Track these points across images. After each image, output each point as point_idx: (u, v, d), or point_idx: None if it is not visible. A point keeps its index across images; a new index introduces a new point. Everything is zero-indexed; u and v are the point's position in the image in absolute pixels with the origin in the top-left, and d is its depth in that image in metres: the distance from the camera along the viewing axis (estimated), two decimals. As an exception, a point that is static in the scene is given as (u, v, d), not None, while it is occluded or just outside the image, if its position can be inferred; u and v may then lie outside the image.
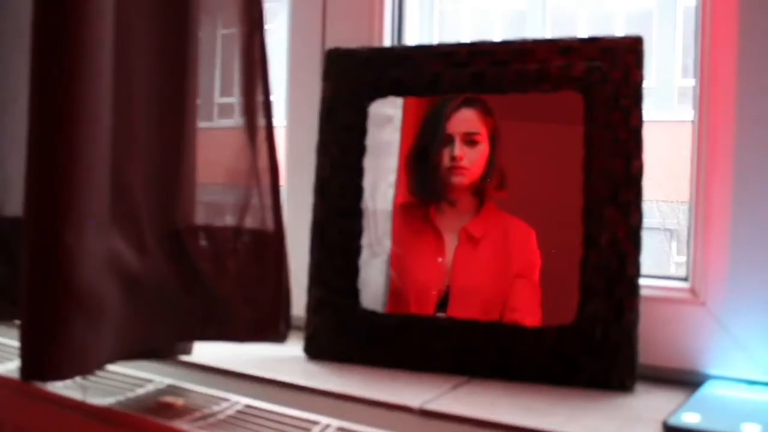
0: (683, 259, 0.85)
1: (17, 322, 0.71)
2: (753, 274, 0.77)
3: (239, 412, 0.76)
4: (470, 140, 0.88)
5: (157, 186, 0.84)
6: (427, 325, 0.84)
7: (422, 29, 1.08)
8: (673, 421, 0.66)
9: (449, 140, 0.88)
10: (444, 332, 0.83)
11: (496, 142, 0.88)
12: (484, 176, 0.88)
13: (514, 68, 0.82)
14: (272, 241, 0.87)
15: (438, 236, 0.90)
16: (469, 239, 0.88)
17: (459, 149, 0.88)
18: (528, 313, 0.83)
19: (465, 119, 0.88)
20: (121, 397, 0.79)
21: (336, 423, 0.71)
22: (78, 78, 0.73)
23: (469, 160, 0.88)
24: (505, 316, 0.83)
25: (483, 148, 0.87)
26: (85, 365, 0.72)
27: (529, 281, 0.85)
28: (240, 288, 0.80)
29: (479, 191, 0.88)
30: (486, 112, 0.88)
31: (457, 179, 0.88)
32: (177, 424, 0.72)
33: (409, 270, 0.90)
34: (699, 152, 0.80)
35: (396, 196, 0.91)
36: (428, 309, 0.86)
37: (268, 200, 0.88)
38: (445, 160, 0.88)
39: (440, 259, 0.88)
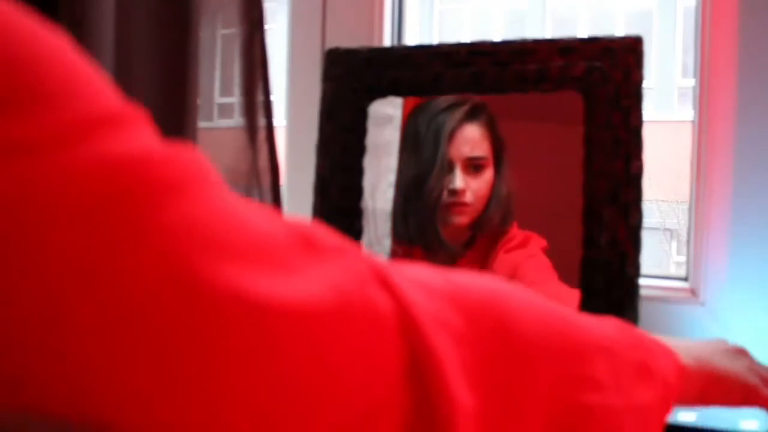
0: (683, 259, 0.85)
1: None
2: (753, 274, 0.77)
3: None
4: (474, 166, 0.75)
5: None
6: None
7: (422, 29, 1.08)
8: (670, 418, 0.66)
9: (449, 168, 0.74)
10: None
11: (503, 164, 0.75)
12: (487, 211, 0.74)
13: (514, 68, 0.82)
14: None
15: None
16: None
17: (461, 181, 0.74)
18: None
19: (467, 140, 0.75)
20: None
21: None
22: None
23: (472, 193, 0.74)
24: None
25: (488, 176, 0.75)
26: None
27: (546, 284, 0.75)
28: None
29: (477, 227, 0.75)
30: (491, 126, 0.76)
31: (456, 219, 0.75)
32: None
33: None
34: (699, 152, 0.80)
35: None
36: None
37: (268, 200, 0.88)
38: (444, 195, 0.74)
39: None
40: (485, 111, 0.78)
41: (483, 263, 0.75)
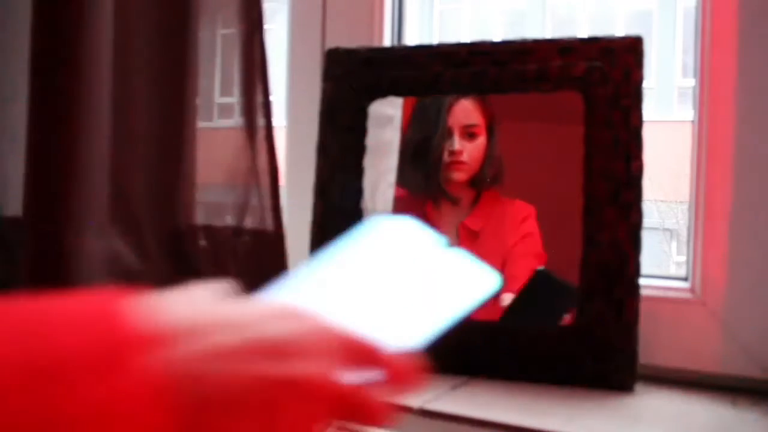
0: (683, 258, 0.85)
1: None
2: (753, 274, 0.77)
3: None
4: (469, 133, 0.87)
5: (157, 186, 0.84)
6: (427, 325, 0.84)
7: (422, 29, 1.08)
8: None
9: (448, 134, 0.87)
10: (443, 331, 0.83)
11: (494, 133, 0.87)
12: (482, 170, 0.87)
13: (514, 68, 0.82)
14: (272, 241, 0.87)
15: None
16: (468, 234, 0.87)
17: (458, 143, 0.87)
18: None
19: (464, 110, 0.87)
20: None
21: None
22: (77, 78, 0.73)
23: (468, 154, 0.87)
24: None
25: (481, 141, 0.87)
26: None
27: (532, 259, 0.84)
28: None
29: (476, 184, 0.87)
30: (483, 101, 0.87)
31: (456, 175, 0.87)
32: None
33: None
34: (699, 152, 0.80)
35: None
36: None
37: (267, 200, 0.88)
38: (444, 155, 0.87)
39: None
40: None
41: (486, 221, 0.88)
